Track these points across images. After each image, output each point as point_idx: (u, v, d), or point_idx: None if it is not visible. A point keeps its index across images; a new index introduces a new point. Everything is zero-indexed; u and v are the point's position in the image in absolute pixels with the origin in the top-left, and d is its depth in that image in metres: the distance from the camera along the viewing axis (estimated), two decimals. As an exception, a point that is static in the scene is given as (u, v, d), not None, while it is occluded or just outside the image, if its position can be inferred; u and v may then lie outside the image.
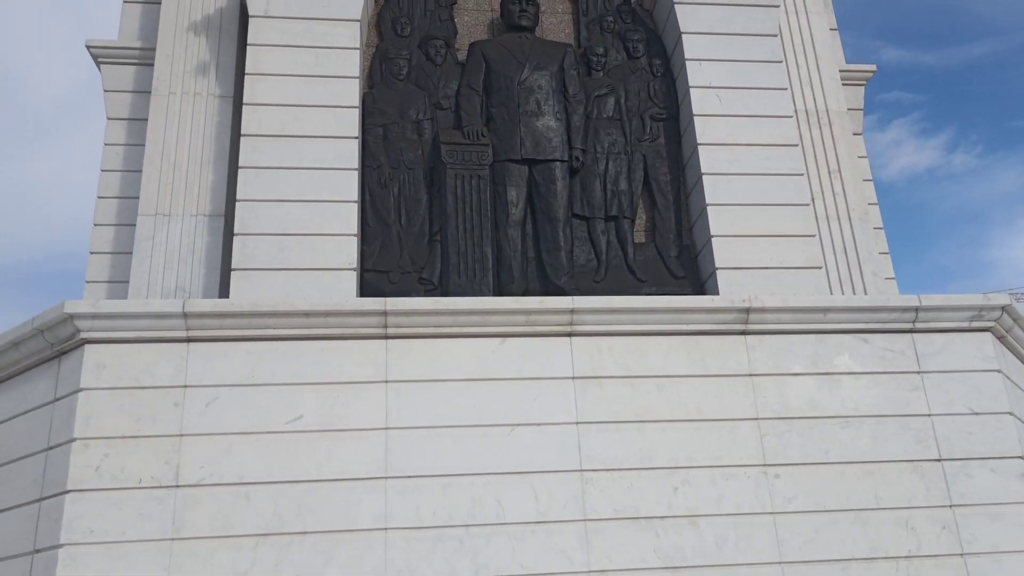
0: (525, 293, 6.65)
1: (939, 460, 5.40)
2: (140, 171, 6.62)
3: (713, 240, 6.65)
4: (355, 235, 6.26)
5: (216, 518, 4.49)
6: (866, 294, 6.93)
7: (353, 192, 6.40)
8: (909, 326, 5.72)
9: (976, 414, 5.52)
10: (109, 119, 6.98)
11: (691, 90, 7.17)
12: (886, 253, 7.98)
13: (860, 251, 7.21)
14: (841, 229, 7.32)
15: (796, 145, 7.03)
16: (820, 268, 6.61)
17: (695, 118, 7.07)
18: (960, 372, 5.60)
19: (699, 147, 6.97)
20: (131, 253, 6.17)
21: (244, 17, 7.14)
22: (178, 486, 4.48)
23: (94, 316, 4.66)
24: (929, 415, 5.50)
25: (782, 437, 5.37)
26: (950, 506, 5.28)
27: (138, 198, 6.45)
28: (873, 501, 5.26)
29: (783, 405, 5.45)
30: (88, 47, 7.17)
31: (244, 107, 6.49)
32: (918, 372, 5.61)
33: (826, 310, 5.66)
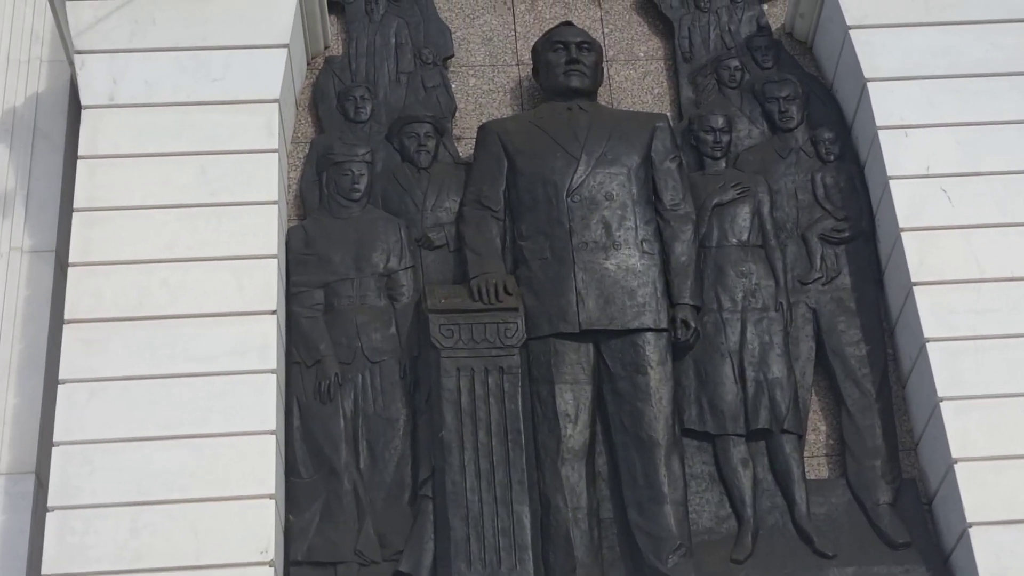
0: (599, 591, 6.45)
1: None
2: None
3: (958, 469, 6.45)
4: (271, 497, 6.23)
5: None
6: None
7: (268, 416, 6.44)
8: None
9: None
10: None
11: (893, 184, 7.20)
12: None
13: None
14: None
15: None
16: None
17: (904, 236, 7.05)
18: None
19: (916, 290, 6.90)
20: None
21: (77, 108, 7.45)
22: None
23: None
24: None
25: None
26: None
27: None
28: None
29: None
30: None
31: (70, 270, 6.73)
32: None
33: None
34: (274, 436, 6.42)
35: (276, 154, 7.11)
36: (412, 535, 6.60)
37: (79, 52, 7.20)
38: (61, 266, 7.09)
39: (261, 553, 6.09)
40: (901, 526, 6.75)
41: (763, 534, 6.76)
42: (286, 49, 7.33)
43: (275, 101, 7.20)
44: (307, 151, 7.67)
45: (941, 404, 6.62)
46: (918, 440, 6.98)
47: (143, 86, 7.21)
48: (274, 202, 6.97)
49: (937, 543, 6.73)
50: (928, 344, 6.76)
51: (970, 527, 6.30)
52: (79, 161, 7.00)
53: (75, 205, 6.86)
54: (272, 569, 6.08)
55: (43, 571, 5.99)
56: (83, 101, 7.12)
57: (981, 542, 6.27)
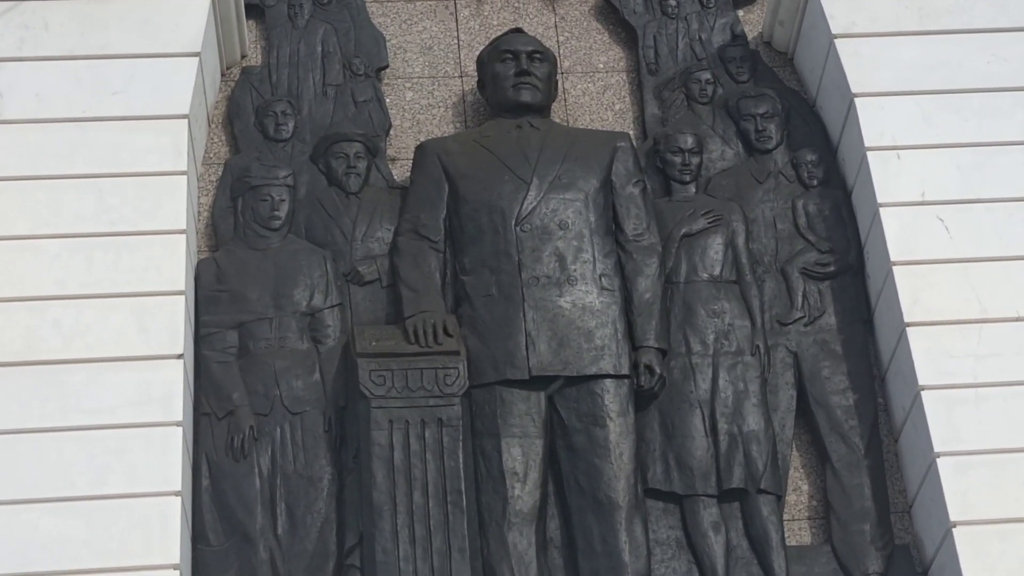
0: None
1: None
2: None
3: (956, 534, 6.49)
4: (175, 567, 6.21)
5: None
6: None
7: (173, 475, 6.42)
8: None
9: None
10: None
11: (883, 211, 7.24)
12: None
13: None
14: None
15: (1119, 316, 6.98)
16: None
17: (896, 269, 7.10)
18: None
19: (908, 331, 6.95)
20: None
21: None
22: None
23: None
24: None
25: None
26: None
27: None
28: None
29: None
30: None
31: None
32: None
33: None
34: (179, 498, 6.39)
35: (184, 177, 7.11)
36: (341, 618, 6.58)
37: (-37, 59, 7.19)
38: (-67, 305, 7.08)
39: (156, 639, 6.05)
40: (894, 598, 6.76)
41: (737, 609, 6.73)
42: (197, 58, 7.34)
43: (184, 117, 7.22)
44: (220, 173, 7.68)
45: (938, 460, 6.65)
46: (912, 501, 7.02)
47: (33, 99, 7.22)
48: (182, 231, 6.96)
49: (934, 617, 6.71)
50: (923, 392, 6.80)
51: (967, 598, 6.33)
52: (-41, 183, 6.94)
53: (-47, 231, 6.82)
54: (174, 662, 6.06)
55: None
56: (-35, 116, 7.09)
57: (981, 619, 6.29)
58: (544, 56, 7.74)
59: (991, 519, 6.51)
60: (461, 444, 6.77)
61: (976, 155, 7.39)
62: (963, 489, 6.58)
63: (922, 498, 6.87)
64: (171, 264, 6.89)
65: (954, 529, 6.47)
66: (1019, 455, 6.67)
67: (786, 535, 6.94)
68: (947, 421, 6.72)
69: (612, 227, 7.35)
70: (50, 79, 7.27)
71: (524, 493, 6.78)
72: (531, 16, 8.25)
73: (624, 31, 8.24)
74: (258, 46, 8.09)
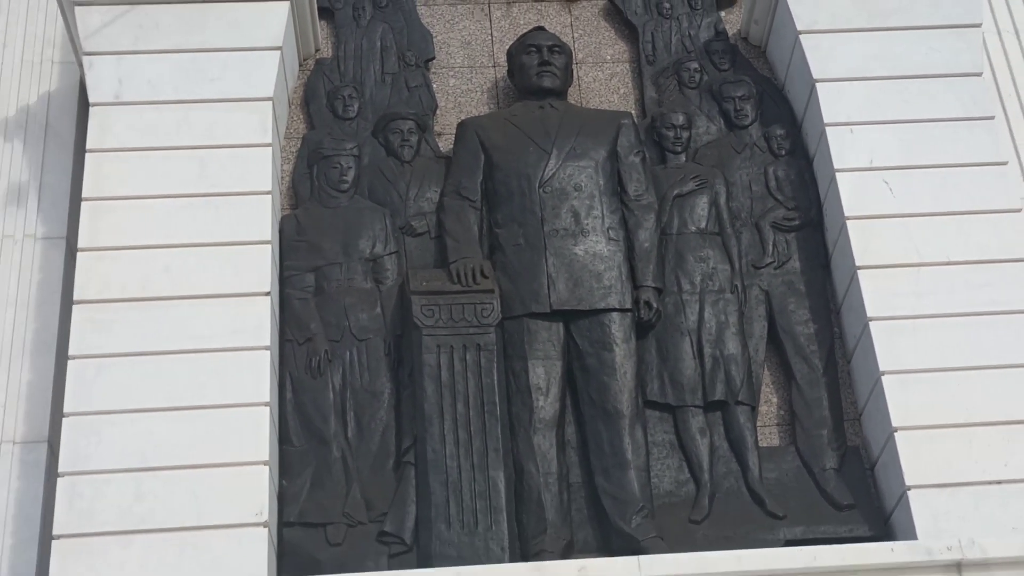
0: (567, 549, 6.51)
1: None
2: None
3: (898, 437, 6.49)
4: (266, 463, 6.26)
5: None
6: None
7: (263, 389, 6.46)
8: None
9: None
10: None
11: (839, 176, 7.23)
12: None
13: None
14: None
15: (1032, 258, 6.95)
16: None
17: (849, 223, 7.08)
18: None
19: (860, 273, 6.93)
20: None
21: (85, 107, 7.46)
22: None
23: None
24: None
25: None
26: None
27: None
28: None
29: None
30: None
31: (79, 255, 6.74)
32: None
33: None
34: (268, 407, 6.44)
35: (270, 148, 7.12)
36: (396, 498, 6.62)
37: (87, 54, 7.20)
38: (71, 252, 7.13)
39: (256, 515, 6.10)
40: (845, 489, 6.79)
41: (719, 497, 6.78)
42: (279, 52, 7.34)
43: (269, 99, 7.22)
44: (299, 146, 7.69)
45: (883, 378, 6.65)
46: (861, 411, 7.02)
47: (147, 86, 7.21)
48: (268, 192, 6.99)
49: (878, 505, 6.76)
50: (871, 323, 6.80)
51: (909, 490, 6.34)
52: (87, 155, 7.00)
53: (84, 195, 6.87)
54: (266, 530, 6.10)
55: (54, 532, 6.01)
56: (91, 99, 7.15)
57: (919, 504, 6.30)
58: (562, 49, 7.72)
59: (926, 425, 6.50)
60: (495, 365, 6.81)
61: (914, 130, 7.34)
62: (903, 401, 6.56)
63: (869, 408, 6.88)
64: (259, 219, 6.92)
65: (895, 433, 6.47)
66: (950, 373, 6.63)
67: (759, 438, 6.96)
68: (890, 346, 6.70)
69: (617, 189, 7.34)
70: (160, 69, 7.25)
71: (546, 404, 6.81)
72: (551, 17, 8.22)
73: (627, 29, 8.21)
74: (328, 42, 8.08)
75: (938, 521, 6.22)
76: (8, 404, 6.69)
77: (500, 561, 6.30)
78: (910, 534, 6.25)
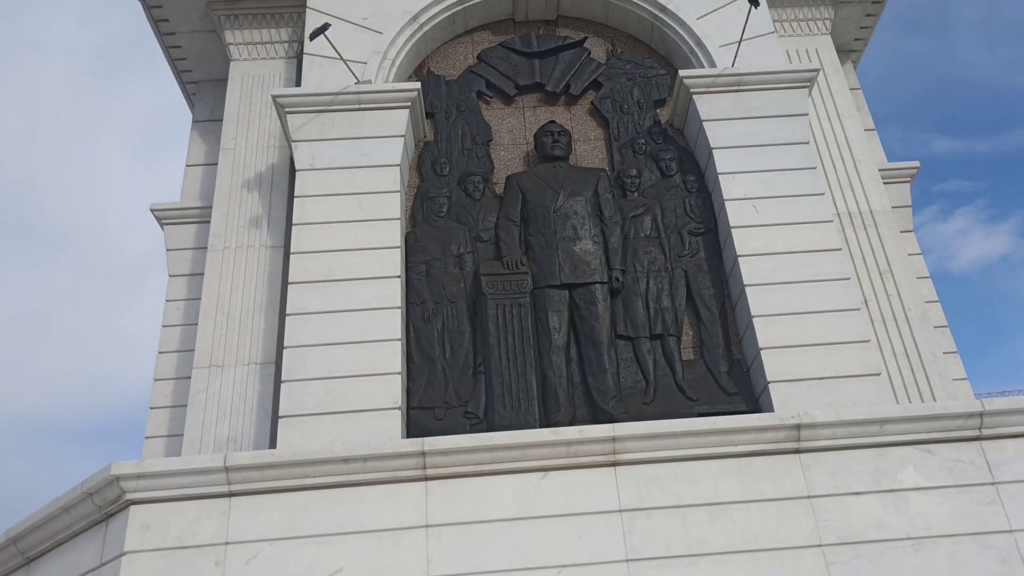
0: (572, 420, 6.51)
1: (1030, 583, 4.87)
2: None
3: (763, 353, 6.46)
4: (399, 373, 6.30)
5: None
6: (934, 399, 6.55)
7: (397, 331, 6.48)
8: (976, 433, 5.33)
9: (1066, 529, 5.01)
10: (171, 276, 7.37)
11: (727, 203, 7.16)
12: (953, 352, 7.56)
13: (923, 353, 6.87)
14: (899, 332, 7.03)
15: (839, 249, 6.85)
16: (879, 375, 6.28)
17: (733, 230, 7.02)
18: (1040, 481, 5.14)
19: (739, 259, 6.89)
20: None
21: (293, 171, 7.53)
22: (218, 649, 4.38)
23: (139, 476, 4.76)
24: (1011, 531, 5.03)
25: (850, 564, 4.97)
26: (1046, 635, 4.73)
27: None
28: (962, 634, 4.75)
29: (847, 529, 5.07)
30: (152, 211, 7.67)
31: (292, 256, 6.75)
32: (992, 483, 5.18)
33: (883, 421, 5.35)
34: (400, 341, 6.48)
35: (399, 193, 7.17)
36: (474, 392, 6.66)
37: (294, 141, 7.26)
38: (287, 254, 7.20)
39: (393, 403, 6.15)
40: (732, 384, 6.78)
41: (659, 389, 6.77)
42: (403, 138, 7.38)
43: (397, 165, 7.25)
44: (415, 192, 7.70)
45: (753, 319, 6.63)
46: (741, 338, 6.98)
47: (328, 159, 7.23)
48: (398, 219, 7.03)
49: (752, 393, 6.73)
50: (747, 288, 6.77)
51: (769, 384, 6.34)
52: (295, 199, 7.03)
53: (294, 222, 6.92)
54: (399, 411, 6.15)
55: (280, 414, 6.03)
56: (297, 167, 7.19)
57: (775, 392, 6.32)
58: (565, 133, 7.71)
59: (779, 346, 6.48)
60: (530, 315, 6.83)
61: (770, 175, 7.26)
62: (764, 332, 6.52)
63: (746, 337, 6.85)
64: (393, 233, 6.93)
65: (761, 351, 6.45)
66: (792, 316, 6.59)
67: (681, 355, 6.93)
68: (757, 300, 6.67)
69: (598, 213, 7.33)
70: (335, 149, 7.24)
71: (559, 337, 6.83)
72: (559, 115, 8.17)
73: (603, 121, 8.13)
74: (431, 131, 8.06)
75: (787, 401, 6.22)
76: (253, 342, 6.73)
77: (533, 427, 6.34)
78: (770, 409, 6.26)
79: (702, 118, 7.50)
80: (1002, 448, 5.30)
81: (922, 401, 6.34)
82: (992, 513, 5.08)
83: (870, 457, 5.30)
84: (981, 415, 5.31)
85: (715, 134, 7.44)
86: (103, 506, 4.88)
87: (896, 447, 5.34)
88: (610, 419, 6.36)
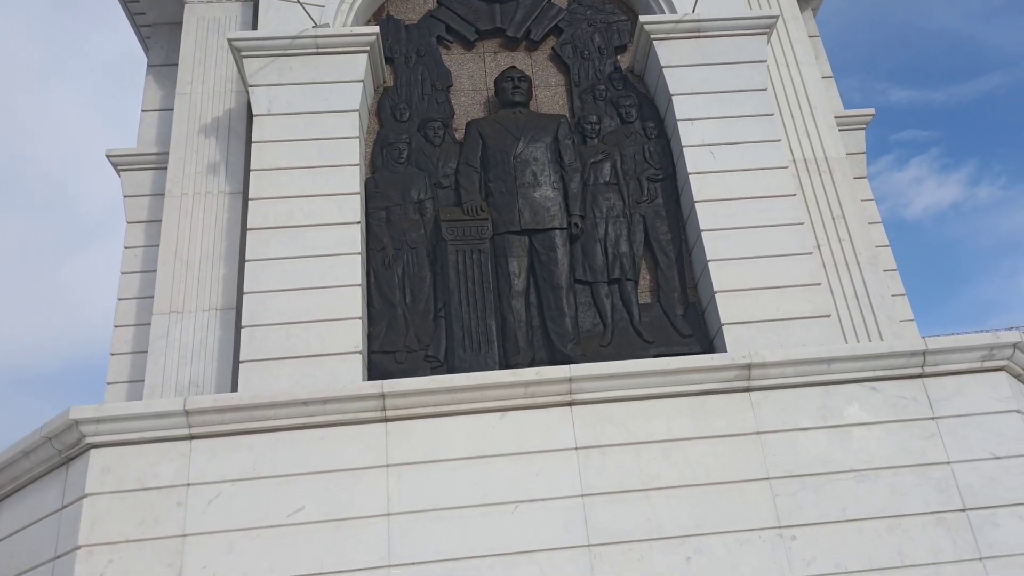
0: (532, 363, 6.57)
1: (963, 510, 5.09)
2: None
3: (717, 296, 6.53)
4: (360, 318, 6.28)
5: (220, 617, 4.42)
6: (881, 339, 6.70)
7: (357, 276, 6.45)
8: (918, 371, 5.48)
9: (998, 458, 5.22)
10: (128, 223, 7.22)
11: (685, 149, 7.15)
12: (901, 295, 7.73)
13: (872, 296, 7.00)
14: (851, 275, 7.14)
15: (794, 195, 6.91)
16: (829, 316, 6.41)
17: (691, 176, 7.02)
18: (976, 415, 5.33)
19: (696, 205, 6.91)
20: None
21: (251, 116, 7.36)
22: (181, 587, 4.42)
23: (99, 420, 4.72)
24: (948, 463, 5.21)
25: (796, 496, 5.13)
26: (980, 559, 4.95)
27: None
28: (897, 558, 4.96)
29: (794, 462, 5.22)
30: (108, 156, 7.47)
31: (250, 201, 6.65)
32: (932, 418, 5.35)
33: (830, 360, 5.47)
34: (360, 287, 6.45)
35: (358, 139, 7.05)
36: (435, 336, 6.68)
37: (251, 86, 7.10)
38: (245, 200, 7.10)
39: (354, 347, 6.14)
40: (687, 327, 6.87)
41: (616, 332, 6.84)
42: (362, 83, 7.24)
43: (356, 111, 7.13)
44: (375, 138, 7.58)
45: (709, 263, 6.67)
46: (697, 282, 7.04)
47: (286, 104, 7.08)
48: (357, 164, 6.92)
49: (706, 335, 6.82)
50: (703, 233, 6.80)
51: (723, 326, 6.42)
52: (253, 145, 6.89)
53: (251, 167, 6.80)
54: (361, 356, 6.15)
55: (241, 359, 6.03)
56: (254, 112, 7.03)
57: (728, 334, 6.39)
58: (526, 79, 7.62)
59: (732, 289, 6.50)
60: (490, 260, 6.83)
61: (728, 122, 7.24)
62: (719, 276, 6.56)
63: (701, 281, 6.91)
64: (352, 179, 6.82)
65: (715, 294, 6.49)
66: (745, 260, 6.60)
67: (638, 299, 6.98)
68: (713, 245, 6.71)
69: (558, 159, 7.28)
70: (293, 94, 7.11)
71: (519, 282, 6.85)
72: (520, 60, 8.06)
73: (564, 67, 8.04)
74: (391, 76, 7.91)
75: (740, 343, 6.32)
76: (212, 288, 6.67)
77: (493, 370, 6.38)
78: (723, 351, 6.34)
79: (662, 64, 7.45)
80: (942, 385, 5.46)
81: (870, 341, 6.49)
82: (931, 446, 5.26)
83: (817, 395, 5.43)
84: (924, 353, 5.45)
85: (675, 80, 7.40)
86: (63, 450, 4.85)
87: (842, 385, 5.47)
88: (568, 361, 6.44)
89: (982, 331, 7.00)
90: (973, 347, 5.45)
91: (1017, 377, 5.60)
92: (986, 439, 5.29)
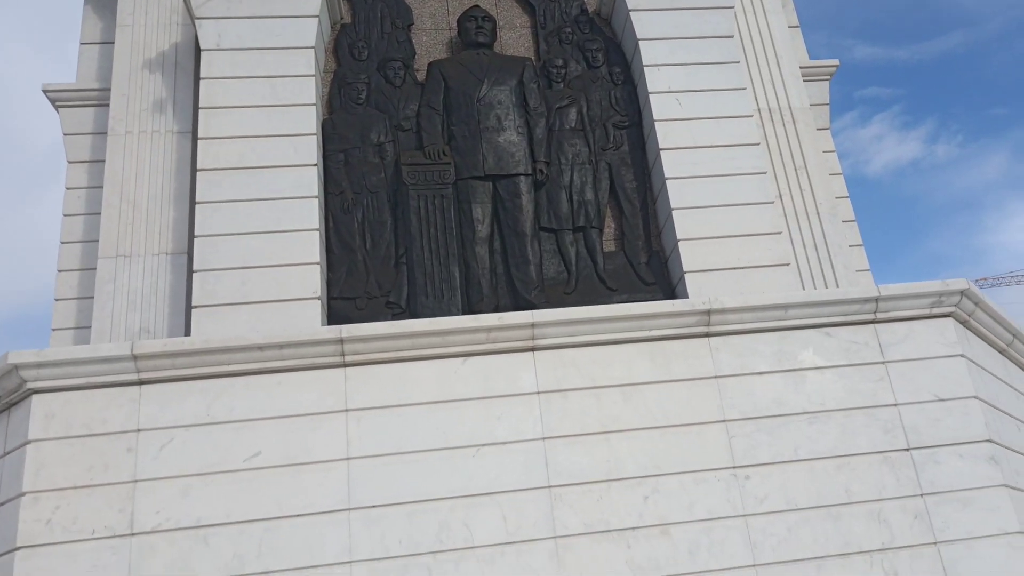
0: (496, 310, 6.53)
1: (907, 449, 5.27)
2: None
3: (680, 244, 6.54)
4: (318, 263, 6.16)
5: (174, 564, 4.36)
6: (838, 287, 6.80)
7: (315, 220, 6.29)
8: (871, 317, 5.58)
9: (942, 400, 5.39)
10: (69, 163, 6.91)
11: (651, 96, 7.08)
12: (859, 245, 7.85)
13: (830, 245, 7.10)
14: (810, 225, 7.21)
15: (758, 144, 6.91)
16: (788, 265, 6.48)
17: (656, 123, 6.97)
18: (924, 359, 5.48)
19: (662, 152, 6.87)
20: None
21: (199, 51, 7.06)
22: (133, 534, 4.35)
23: (40, 365, 4.56)
24: (895, 405, 5.37)
25: (750, 437, 5.23)
26: (920, 495, 5.15)
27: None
28: (844, 496, 5.12)
29: (750, 405, 5.31)
30: (45, 91, 7.11)
31: (199, 141, 6.42)
32: (882, 362, 5.48)
33: (787, 307, 5.53)
34: (318, 232, 6.33)
35: (314, 78, 6.83)
36: (396, 283, 6.60)
37: (199, 19, 6.81)
38: (195, 139, 6.86)
39: (313, 293, 6.05)
40: (651, 274, 6.89)
41: (580, 280, 6.83)
42: (317, 19, 6.99)
43: (312, 48, 6.89)
44: (331, 77, 7.38)
45: (673, 212, 6.67)
46: (661, 230, 7.04)
47: (236, 39, 6.83)
48: (313, 104, 6.71)
49: (669, 283, 6.85)
50: (667, 181, 6.78)
51: (685, 274, 6.44)
52: (201, 81, 6.63)
53: (200, 105, 6.56)
54: (319, 302, 6.06)
55: (193, 304, 5.90)
56: (202, 47, 6.76)
57: (690, 282, 6.42)
58: (490, 19, 7.44)
59: (694, 238, 6.54)
60: (452, 206, 6.75)
61: (695, 69, 7.20)
62: (683, 225, 6.56)
63: (665, 229, 6.91)
64: (308, 120, 6.62)
65: (679, 243, 6.50)
66: (710, 208, 6.64)
67: (603, 247, 6.99)
68: (678, 194, 6.70)
69: (524, 103, 7.16)
70: (244, 28, 6.85)
71: (482, 228, 6.78)
72: (483, 1, 7.83)
73: (530, 8, 7.88)
74: (349, 13, 7.66)
75: (700, 289, 6.38)
76: (162, 232, 6.49)
77: (456, 314, 6.32)
78: (685, 298, 6.38)
79: (629, 8, 7.32)
80: (893, 330, 5.57)
81: (826, 288, 6.58)
82: (881, 389, 5.39)
83: (774, 340, 5.50)
84: (876, 300, 5.55)
85: (641, 25, 7.29)
86: (3, 395, 4.68)
87: (798, 330, 5.54)
88: (532, 308, 6.42)
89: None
90: (923, 294, 5.57)
91: (964, 323, 5.75)
92: (932, 382, 5.44)
